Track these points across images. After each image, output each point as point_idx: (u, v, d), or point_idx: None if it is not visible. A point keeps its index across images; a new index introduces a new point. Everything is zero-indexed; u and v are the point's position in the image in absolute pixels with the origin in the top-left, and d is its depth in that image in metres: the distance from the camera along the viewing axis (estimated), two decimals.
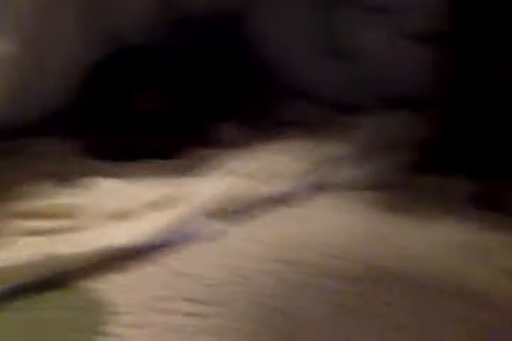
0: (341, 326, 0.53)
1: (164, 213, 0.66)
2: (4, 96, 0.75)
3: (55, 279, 0.57)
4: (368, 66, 1.04)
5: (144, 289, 0.58)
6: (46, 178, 0.73)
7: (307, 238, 0.69)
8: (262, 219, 0.74)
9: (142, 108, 0.90)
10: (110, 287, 0.58)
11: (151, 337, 0.51)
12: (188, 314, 0.54)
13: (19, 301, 0.54)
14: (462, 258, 0.64)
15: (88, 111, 0.89)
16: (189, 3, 1.03)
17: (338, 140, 0.92)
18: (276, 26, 1.09)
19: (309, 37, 1.08)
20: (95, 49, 0.92)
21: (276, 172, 0.81)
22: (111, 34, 0.94)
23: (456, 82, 0.84)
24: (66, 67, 0.87)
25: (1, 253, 0.58)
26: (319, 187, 0.83)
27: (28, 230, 0.62)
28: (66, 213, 0.63)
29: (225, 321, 0.53)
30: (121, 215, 0.65)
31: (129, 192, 0.70)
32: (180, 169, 0.80)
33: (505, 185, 0.74)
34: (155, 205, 0.67)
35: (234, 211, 0.73)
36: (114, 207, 0.65)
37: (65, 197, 0.67)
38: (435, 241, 0.68)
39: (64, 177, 0.73)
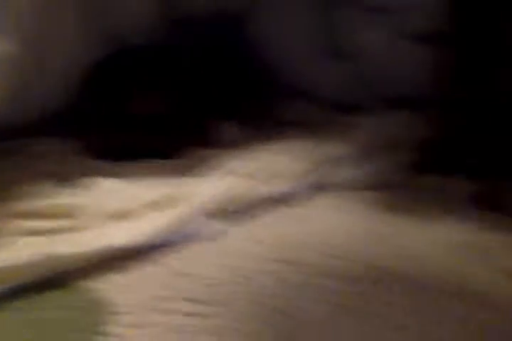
0: (341, 326, 0.53)
1: (164, 213, 0.66)
2: (4, 96, 0.75)
3: (55, 279, 0.57)
4: (368, 66, 1.05)
5: (144, 289, 0.58)
6: (46, 178, 0.73)
7: (307, 238, 0.69)
8: (262, 219, 0.74)
9: (142, 108, 0.90)
10: (110, 287, 0.58)
11: (152, 337, 0.51)
12: (188, 314, 0.54)
13: (19, 301, 0.54)
14: (462, 258, 0.64)
15: (88, 111, 0.89)
16: (190, 3, 1.03)
17: (338, 140, 0.93)
18: (277, 27, 1.09)
19: (310, 37, 1.08)
20: (95, 49, 0.92)
21: (277, 172, 0.81)
22: (111, 34, 0.94)
23: (456, 82, 0.84)
24: (66, 67, 0.87)
25: (1, 253, 0.57)
26: (319, 187, 0.83)
27: (28, 230, 0.61)
28: (66, 213, 0.63)
29: (225, 321, 0.53)
30: (121, 215, 0.65)
31: (129, 192, 0.70)
32: (180, 169, 0.80)
33: (505, 185, 0.74)
34: (155, 205, 0.67)
35: (234, 211, 0.73)
36: (114, 207, 0.65)
37: (65, 197, 0.67)
38: (435, 241, 0.68)
39: (64, 177, 0.73)
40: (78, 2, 0.88)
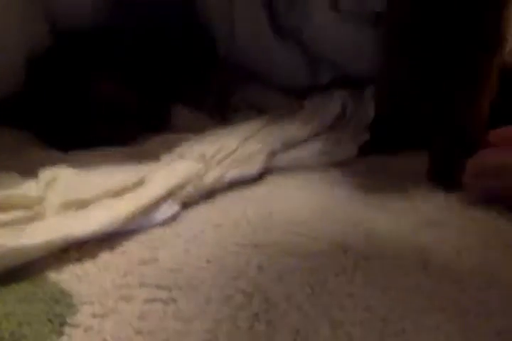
0: (304, 304, 0.54)
1: (121, 200, 0.66)
2: None
3: (15, 271, 0.56)
4: (312, 46, 1.05)
5: (105, 277, 0.57)
6: None
7: (268, 218, 0.69)
8: (219, 203, 0.75)
9: (105, 91, 0.89)
10: (72, 277, 0.57)
11: (117, 325, 0.51)
12: (152, 300, 0.54)
13: None
14: (426, 235, 0.66)
15: (35, 99, 0.87)
16: None
17: (289, 121, 0.93)
18: (222, 7, 1.08)
19: (256, 17, 1.08)
20: (40, 34, 0.90)
21: (231, 154, 0.81)
22: (55, 18, 0.92)
23: (399, 59, 0.85)
24: (11, 55, 0.85)
25: None
26: (273, 169, 0.84)
27: None
28: (22, 204, 0.62)
29: (190, 305, 0.53)
30: (78, 204, 0.64)
31: (85, 181, 0.69)
32: (134, 155, 0.80)
33: (457, 160, 0.76)
34: (112, 193, 0.67)
35: (190, 195, 0.73)
36: (70, 197, 0.64)
37: (19, 188, 0.65)
38: (398, 218, 0.70)
39: (16, 168, 0.71)
40: None
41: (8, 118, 0.85)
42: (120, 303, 0.54)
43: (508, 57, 0.79)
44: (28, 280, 0.56)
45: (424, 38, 0.77)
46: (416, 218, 0.70)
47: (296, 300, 0.54)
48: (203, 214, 0.71)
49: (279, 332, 0.50)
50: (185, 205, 0.72)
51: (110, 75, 0.91)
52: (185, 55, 1.02)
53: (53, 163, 0.72)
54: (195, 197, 0.73)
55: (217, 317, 0.52)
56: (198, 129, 0.89)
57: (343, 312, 0.53)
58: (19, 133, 0.85)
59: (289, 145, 0.88)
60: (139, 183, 0.70)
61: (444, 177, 0.78)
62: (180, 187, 0.72)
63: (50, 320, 0.51)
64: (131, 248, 0.63)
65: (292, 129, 0.92)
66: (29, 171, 0.69)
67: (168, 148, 0.81)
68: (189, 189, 0.73)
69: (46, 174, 0.69)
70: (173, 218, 0.69)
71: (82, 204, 0.64)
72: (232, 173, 0.78)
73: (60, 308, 0.53)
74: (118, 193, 0.67)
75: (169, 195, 0.70)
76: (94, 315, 0.52)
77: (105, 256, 0.61)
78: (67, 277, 0.57)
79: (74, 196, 0.64)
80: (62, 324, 0.51)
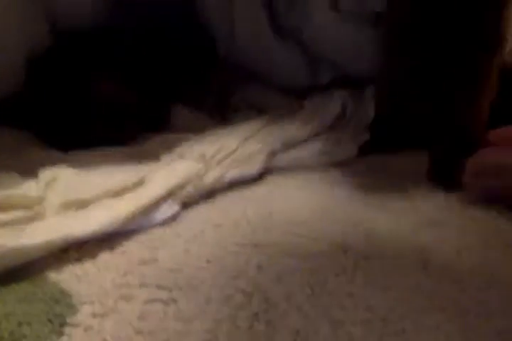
0: (303, 304, 0.54)
1: (122, 200, 0.66)
2: None
3: (15, 271, 0.56)
4: (312, 46, 1.05)
5: (105, 277, 0.57)
6: None
7: (269, 218, 0.69)
8: (219, 203, 0.74)
9: (104, 91, 0.88)
10: (72, 277, 0.57)
11: (117, 325, 0.51)
12: (152, 300, 0.54)
13: None
14: (427, 235, 0.66)
15: (35, 99, 0.87)
16: None
17: (289, 121, 0.93)
18: (222, 7, 1.08)
19: (256, 17, 1.08)
20: (41, 34, 0.90)
21: (231, 154, 0.81)
22: (55, 18, 0.92)
23: (399, 60, 0.85)
24: (11, 55, 0.85)
25: None
26: (273, 169, 0.84)
27: None
28: (22, 204, 0.62)
29: (190, 306, 0.53)
30: (78, 204, 0.64)
31: (85, 181, 0.69)
32: (134, 155, 0.80)
33: (456, 160, 0.76)
34: (112, 193, 0.66)
35: (190, 195, 0.73)
36: (70, 197, 0.64)
37: (19, 188, 0.65)
38: (398, 218, 0.70)
39: (16, 168, 0.71)
40: None
41: (8, 118, 0.85)
42: (120, 303, 0.54)
43: (508, 57, 0.79)
44: (27, 280, 0.56)
45: (424, 38, 0.77)
46: (416, 218, 0.70)
47: (296, 300, 0.54)
48: (202, 214, 0.71)
49: (278, 332, 0.50)
50: (185, 205, 0.72)
51: (110, 75, 0.91)
52: (185, 55, 1.02)
53: (53, 163, 0.72)
54: (195, 197, 0.73)
55: (217, 317, 0.52)
56: (198, 129, 0.89)
57: (343, 312, 0.53)
58: (19, 133, 0.85)
59: (289, 145, 0.88)
60: (139, 183, 0.70)
61: (444, 176, 0.78)
62: (180, 187, 0.72)
63: (50, 320, 0.51)
64: (131, 248, 0.63)
65: (292, 129, 0.92)
66: (29, 171, 0.69)
67: (168, 148, 0.81)
68: (189, 189, 0.73)
69: (46, 174, 0.69)
70: (173, 218, 0.69)
71: (82, 204, 0.64)
72: (232, 173, 0.78)
73: (60, 308, 0.53)
74: (118, 193, 0.67)
75: (169, 195, 0.70)
76: (94, 315, 0.52)
77: (105, 256, 0.61)
78: (67, 277, 0.57)
79: (74, 196, 0.64)
80: (62, 324, 0.51)
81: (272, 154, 0.85)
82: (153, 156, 0.79)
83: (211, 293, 0.55)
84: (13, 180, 0.67)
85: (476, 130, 0.77)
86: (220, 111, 1.00)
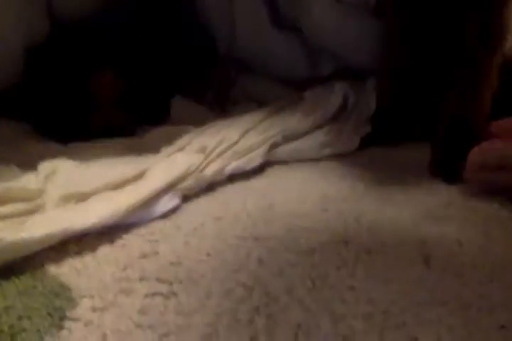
0: (305, 297, 0.53)
1: (122, 193, 0.66)
2: None
3: (15, 265, 0.56)
4: (312, 37, 1.05)
5: (105, 271, 0.57)
6: None
7: (270, 210, 0.69)
8: (219, 195, 0.74)
9: (103, 85, 0.88)
10: (71, 271, 0.57)
11: (117, 318, 0.51)
12: (152, 294, 0.54)
13: None
14: (427, 228, 0.65)
15: (34, 90, 0.86)
16: None
17: (290, 113, 0.93)
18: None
19: (256, 8, 1.07)
20: (38, 28, 0.89)
21: (232, 146, 0.80)
22: (54, 7, 0.91)
23: (400, 51, 0.84)
24: (10, 48, 0.84)
25: None
26: (274, 161, 0.83)
27: None
28: (21, 197, 0.62)
29: (190, 299, 0.53)
30: (78, 197, 0.64)
31: (85, 174, 0.69)
32: (134, 148, 0.80)
33: (456, 153, 0.76)
34: (112, 185, 0.66)
35: (191, 188, 0.72)
36: (70, 189, 0.64)
37: (18, 181, 0.65)
38: (400, 211, 0.69)
39: (15, 160, 0.71)
40: None
41: (6, 110, 0.84)
42: (120, 297, 0.53)
43: (508, 51, 0.78)
44: (27, 274, 0.56)
45: (425, 30, 0.77)
46: (417, 210, 0.69)
47: (297, 293, 0.54)
48: (203, 206, 0.71)
49: (279, 326, 0.50)
50: (186, 198, 0.72)
51: (110, 66, 0.90)
52: (185, 48, 1.02)
53: (52, 155, 0.72)
54: (195, 190, 0.73)
55: (217, 310, 0.51)
56: (198, 122, 0.88)
57: (344, 305, 0.52)
58: (17, 125, 0.84)
59: (290, 137, 0.87)
60: (139, 176, 0.69)
61: (446, 169, 0.77)
62: (181, 179, 0.71)
63: (49, 314, 0.51)
64: (131, 241, 0.62)
65: (293, 121, 0.91)
66: (28, 163, 0.69)
67: (169, 140, 0.81)
68: (189, 181, 0.72)
69: (45, 166, 0.69)
70: (173, 211, 0.69)
71: (81, 197, 0.64)
72: (233, 165, 0.78)
73: (60, 302, 0.53)
74: (118, 186, 0.67)
75: (169, 188, 0.69)
76: (94, 309, 0.52)
77: (105, 250, 0.61)
78: (67, 270, 0.57)
79: (73, 189, 0.64)
80: (62, 318, 0.51)
81: (273, 146, 0.85)
82: (154, 149, 0.79)
83: (212, 287, 0.55)
84: (12, 173, 0.67)
85: (477, 122, 0.77)
86: (220, 104, 0.99)
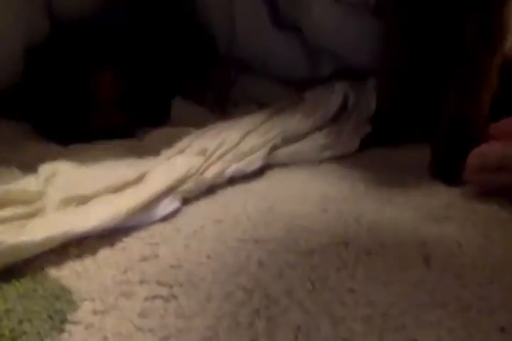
0: (304, 300, 0.53)
1: (122, 196, 0.66)
2: None
3: (16, 268, 0.56)
4: (312, 37, 1.05)
5: (106, 274, 0.57)
6: None
7: (270, 212, 0.69)
8: (219, 198, 0.74)
9: (103, 86, 0.88)
10: (72, 274, 0.57)
11: (117, 321, 0.51)
12: (152, 297, 0.54)
13: None
14: (427, 228, 0.65)
15: (34, 90, 0.86)
16: None
17: (291, 114, 0.93)
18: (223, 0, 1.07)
19: (256, 8, 1.07)
20: (38, 28, 0.89)
21: (232, 149, 0.80)
22: (54, 6, 0.91)
23: (400, 52, 0.84)
24: (10, 45, 0.84)
25: None
26: (275, 163, 0.83)
27: None
28: (21, 199, 0.62)
29: (190, 302, 0.53)
30: (78, 200, 0.64)
31: (85, 176, 0.69)
32: (135, 149, 0.80)
33: (455, 153, 0.76)
34: (112, 188, 0.66)
35: (191, 190, 0.72)
36: (70, 192, 0.64)
37: (18, 183, 0.65)
38: (401, 212, 0.69)
39: (14, 161, 0.71)
40: None
41: (6, 110, 0.84)
42: (121, 300, 0.54)
43: (508, 51, 0.78)
44: (28, 277, 0.56)
45: (425, 30, 0.77)
46: (417, 211, 0.69)
47: (297, 296, 0.54)
48: (203, 209, 0.71)
49: (279, 329, 0.50)
50: (186, 201, 0.71)
51: (110, 66, 0.90)
52: (185, 49, 1.02)
53: (53, 156, 0.72)
54: (195, 193, 0.73)
55: (217, 313, 0.51)
56: (198, 123, 0.88)
57: (344, 307, 0.52)
58: (17, 125, 0.84)
59: (290, 139, 0.87)
60: (140, 179, 0.69)
61: (446, 170, 0.77)
62: (181, 182, 0.71)
63: (50, 317, 0.51)
64: (132, 244, 0.63)
65: (294, 122, 0.91)
66: (28, 165, 0.69)
67: (169, 142, 0.81)
68: (190, 184, 0.72)
69: (46, 169, 0.69)
70: (174, 214, 0.69)
71: (82, 200, 0.64)
72: (233, 168, 0.78)
73: (61, 305, 0.53)
74: (118, 189, 0.67)
75: (170, 191, 0.69)
76: (94, 312, 0.52)
77: (105, 253, 0.61)
78: (68, 273, 0.57)
79: (74, 192, 0.64)
80: (63, 321, 0.51)
81: (274, 148, 0.84)
82: (154, 151, 0.79)
83: (212, 290, 0.55)
84: (12, 175, 0.67)
85: (477, 123, 0.77)
86: (220, 105, 0.99)
